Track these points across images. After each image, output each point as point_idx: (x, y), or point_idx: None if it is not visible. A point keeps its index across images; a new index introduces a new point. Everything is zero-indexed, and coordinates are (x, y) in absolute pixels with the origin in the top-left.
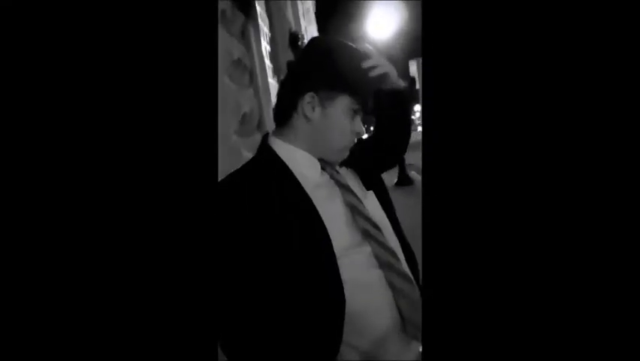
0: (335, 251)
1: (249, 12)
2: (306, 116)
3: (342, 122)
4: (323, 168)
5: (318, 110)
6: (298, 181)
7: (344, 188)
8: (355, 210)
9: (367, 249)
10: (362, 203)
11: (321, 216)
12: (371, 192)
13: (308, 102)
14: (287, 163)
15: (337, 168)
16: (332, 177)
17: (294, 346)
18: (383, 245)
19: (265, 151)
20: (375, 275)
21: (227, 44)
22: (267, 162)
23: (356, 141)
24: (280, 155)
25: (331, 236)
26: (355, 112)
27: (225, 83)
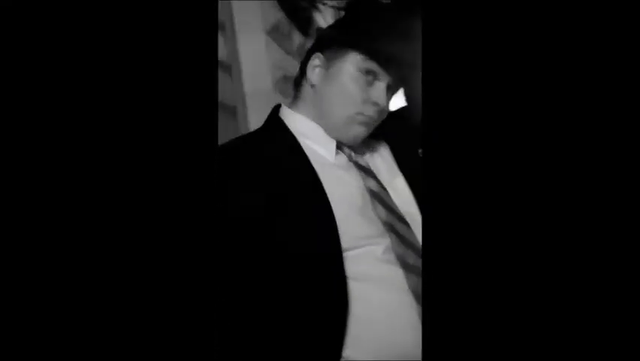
0: (343, 242)
1: (307, 31)
2: (310, 82)
3: (346, 86)
4: (339, 148)
5: (320, 72)
6: (307, 157)
7: (364, 171)
8: (377, 198)
9: (387, 241)
10: (386, 191)
11: (331, 200)
12: (401, 177)
13: (313, 65)
14: (296, 136)
15: (361, 147)
16: (350, 158)
17: (290, 348)
18: (406, 241)
19: (273, 122)
20: (391, 272)
21: (279, 59)
22: (273, 133)
23: (375, 113)
24: (289, 126)
25: (341, 224)
26: (371, 74)
27: (273, 98)
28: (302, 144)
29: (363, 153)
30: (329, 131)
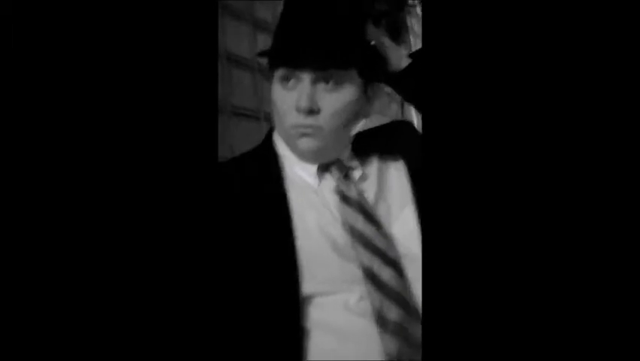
0: (310, 286)
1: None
2: None
3: (274, 101)
4: (327, 170)
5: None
6: (283, 184)
7: (349, 204)
8: (359, 237)
9: (362, 289)
10: (378, 227)
11: (302, 236)
12: (411, 206)
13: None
14: (284, 161)
15: (366, 166)
16: (339, 187)
17: None
18: (390, 292)
19: (264, 143)
20: (361, 326)
21: None
22: (260, 155)
23: (309, 119)
24: (278, 149)
25: (310, 265)
26: (287, 79)
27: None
28: (287, 169)
29: (364, 178)
30: (288, 145)
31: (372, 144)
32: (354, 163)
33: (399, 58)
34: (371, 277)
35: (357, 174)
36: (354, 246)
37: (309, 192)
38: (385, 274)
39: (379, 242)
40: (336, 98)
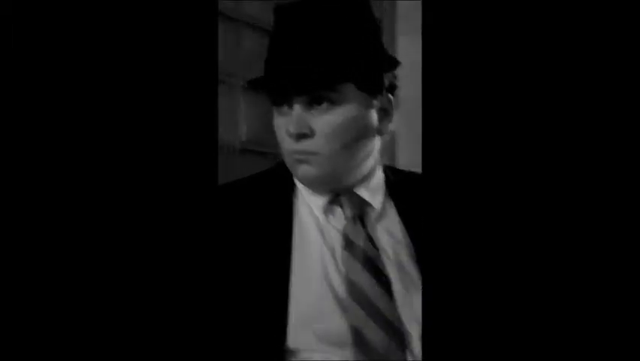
0: (294, 341)
1: None
2: None
3: (274, 120)
4: (336, 203)
5: None
6: (289, 211)
7: (350, 251)
8: (355, 293)
9: (346, 354)
10: (378, 281)
11: (295, 282)
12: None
13: None
14: (297, 186)
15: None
16: (348, 227)
17: None
18: (377, 356)
19: (279, 165)
20: None
21: None
22: (272, 179)
23: (301, 145)
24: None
25: (299, 318)
26: (278, 105)
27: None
28: (299, 197)
29: (382, 215)
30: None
31: (407, 187)
32: (374, 197)
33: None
34: (358, 337)
35: (373, 210)
36: (348, 302)
37: (313, 229)
38: (376, 337)
39: (377, 300)
40: (330, 119)
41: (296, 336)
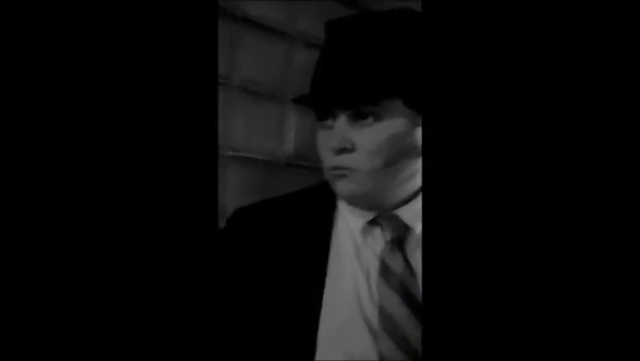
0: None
1: None
2: None
3: (317, 135)
4: (377, 223)
5: None
6: (328, 231)
7: (386, 278)
8: (386, 322)
9: None
10: (414, 311)
11: (326, 299)
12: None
13: None
14: (339, 206)
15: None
16: (386, 249)
17: None
18: None
19: (325, 182)
20: None
21: None
22: (316, 194)
23: (341, 160)
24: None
25: (327, 334)
26: (323, 120)
27: None
28: (339, 217)
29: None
30: None
31: None
32: (416, 221)
33: None
34: None
35: (414, 235)
36: (379, 331)
37: (351, 250)
38: None
39: (410, 330)
40: (373, 135)
41: (323, 354)
